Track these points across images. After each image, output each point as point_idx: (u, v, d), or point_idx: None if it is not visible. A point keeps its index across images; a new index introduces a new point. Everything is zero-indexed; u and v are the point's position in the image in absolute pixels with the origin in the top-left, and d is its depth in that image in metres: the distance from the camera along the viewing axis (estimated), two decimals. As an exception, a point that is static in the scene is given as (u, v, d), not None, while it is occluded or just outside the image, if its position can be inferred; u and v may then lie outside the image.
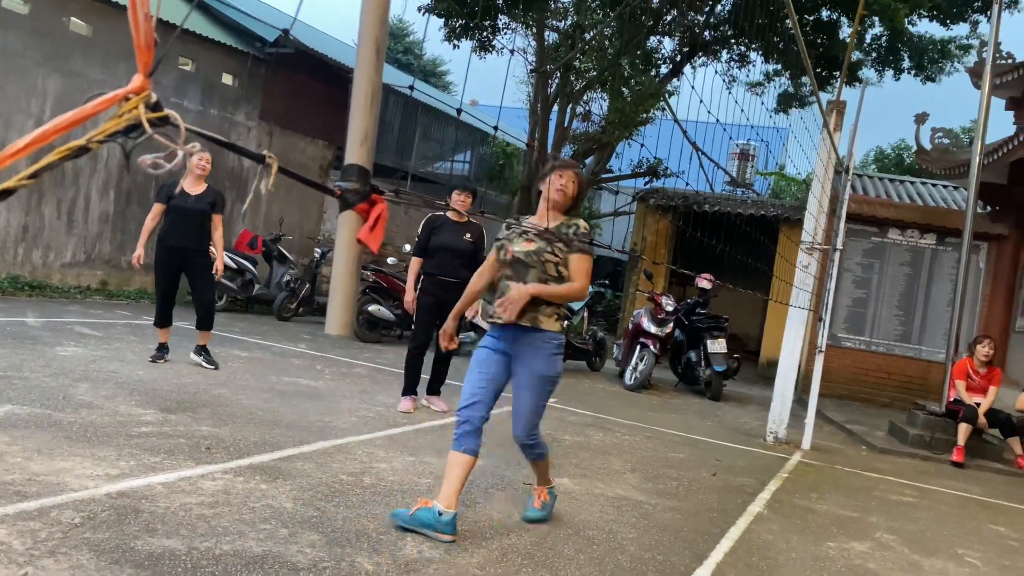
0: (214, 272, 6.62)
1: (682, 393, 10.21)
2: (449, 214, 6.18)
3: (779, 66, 15.86)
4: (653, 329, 9.83)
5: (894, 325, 12.25)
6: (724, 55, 15.98)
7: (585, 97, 15.39)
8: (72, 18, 10.11)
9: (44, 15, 9.78)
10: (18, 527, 2.85)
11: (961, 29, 14.52)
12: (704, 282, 10.34)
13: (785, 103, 16.47)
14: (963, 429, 7.67)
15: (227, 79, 12.33)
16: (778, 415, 7.39)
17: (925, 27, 16.31)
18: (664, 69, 15.71)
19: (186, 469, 3.85)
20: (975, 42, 14.55)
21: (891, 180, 15.05)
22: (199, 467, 3.91)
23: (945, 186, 14.17)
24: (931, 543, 4.70)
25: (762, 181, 22.73)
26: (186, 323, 8.59)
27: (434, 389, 6.38)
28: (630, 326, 10.48)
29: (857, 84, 14.62)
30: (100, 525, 2.99)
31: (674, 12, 14.68)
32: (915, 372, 12.01)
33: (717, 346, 9.88)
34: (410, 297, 6.17)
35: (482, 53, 14.91)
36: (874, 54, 14.98)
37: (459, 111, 2.88)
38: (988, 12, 12.04)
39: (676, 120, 14.19)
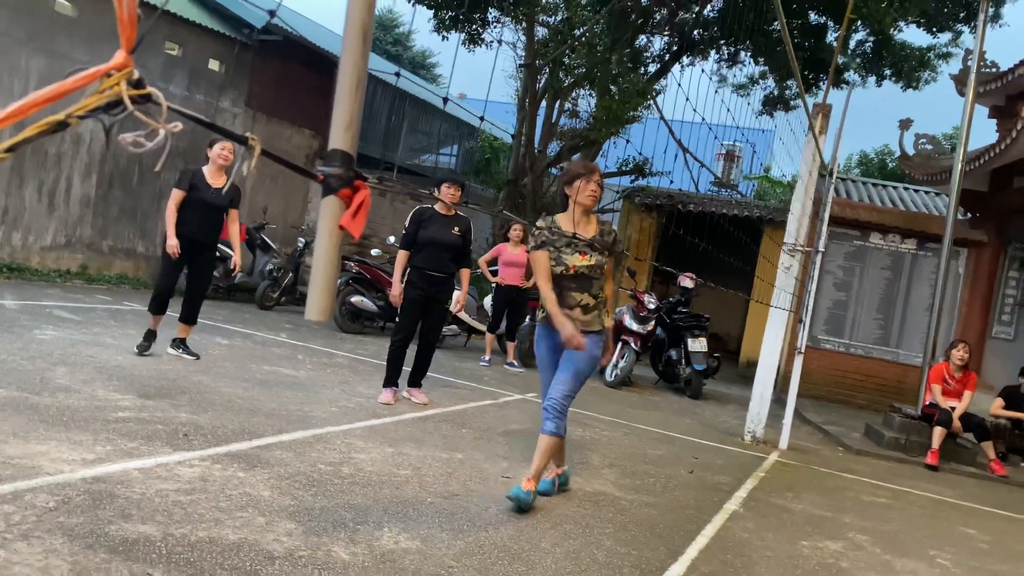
0: (232, 268, 6.56)
1: (662, 391, 10.26)
2: (437, 207, 6.15)
3: (765, 68, 15.93)
4: (635, 327, 9.87)
5: (873, 328, 12.37)
6: (713, 55, 16.04)
7: (573, 93, 15.38)
8: (57, -2, 9.99)
9: (28, -6, 9.65)
10: (-10, 510, 2.83)
11: (943, 37, 14.60)
12: (687, 281, 10.39)
13: (770, 105, 16.56)
14: (938, 433, 7.76)
15: (214, 65, 12.23)
16: (756, 414, 7.44)
17: (908, 34, 16.46)
18: (652, 68, 15.74)
19: (163, 455, 3.82)
20: (956, 51, 14.69)
21: (874, 184, 15.18)
22: (176, 453, 3.89)
23: (927, 192, 14.31)
24: (903, 544, 4.75)
25: (747, 184, 22.84)
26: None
27: (416, 381, 6.37)
28: (612, 323, 10.50)
29: (844, 87, 14.73)
30: (75, 509, 2.97)
31: (663, 11, 14.71)
32: (892, 375, 12.13)
33: (698, 345, 9.93)
34: (396, 291, 6.11)
35: (471, 46, 14.87)
36: (858, 59, 15.09)
37: (445, 100, 2.88)
38: (973, 23, 12.15)
39: (663, 119, 14.22)
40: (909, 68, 14.89)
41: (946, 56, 14.85)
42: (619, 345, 9.82)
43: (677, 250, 14.21)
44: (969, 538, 5.21)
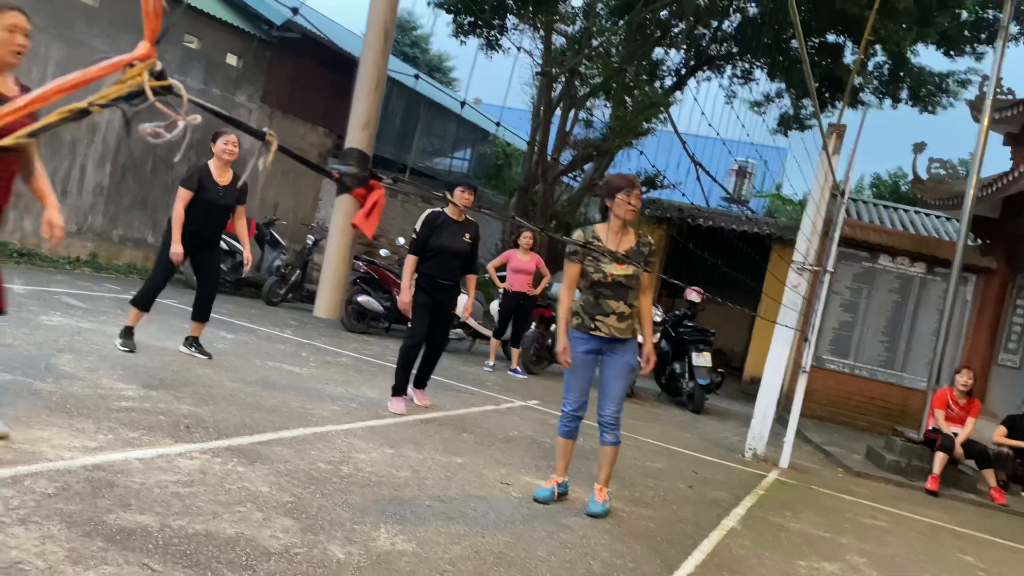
0: (242, 264, 6.41)
1: (664, 404, 10.23)
2: (448, 211, 6.10)
3: (782, 86, 15.93)
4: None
5: (879, 350, 12.32)
6: (729, 70, 16.04)
7: (588, 103, 15.41)
8: (79, -13, 10.06)
9: (51, -18, 9.72)
10: (-10, 493, 2.83)
11: (962, 63, 14.65)
12: (693, 295, 10.37)
13: (785, 124, 16.55)
14: (939, 458, 7.72)
15: (231, 59, 12.29)
16: (758, 432, 7.42)
17: (927, 58, 16.46)
18: (668, 81, 15.75)
19: (164, 446, 3.83)
20: (975, 78, 14.66)
21: (885, 207, 15.13)
22: (177, 445, 3.90)
23: (938, 216, 14.26)
24: (901, 568, 4.72)
25: (758, 201, 22.82)
26: (171, 302, 8.56)
27: (421, 383, 6.34)
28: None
29: (860, 107, 14.71)
30: (74, 497, 2.98)
31: (682, 25, 14.72)
32: (896, 398, 12.07)
33: (702, 359, 9.91)
34: (406, 298, 6.00)
35: (489, 52, 14.91)
36: (875, 81, 15.08)
37: (463, 103, 2.88)
38: (994, 43, 12.12)
39: (676, 132, 14.22)
40: (927, 92, 14.88)
41: (965, 83, 14.83)
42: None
43: (685, 264, 14.21)
44: (967, 565, 5.17)
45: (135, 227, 11.44)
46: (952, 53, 14.29)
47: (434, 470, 4.52)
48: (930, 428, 8.22)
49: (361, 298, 10.05)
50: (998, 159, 10.96)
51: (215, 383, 5.45)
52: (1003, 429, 8.54)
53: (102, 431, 3.84)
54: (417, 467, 4.50)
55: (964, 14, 13.47)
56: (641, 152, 13.91)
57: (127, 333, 5.93)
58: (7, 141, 0.79)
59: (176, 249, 5.87)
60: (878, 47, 13.45)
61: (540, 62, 15.30)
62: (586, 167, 15.85)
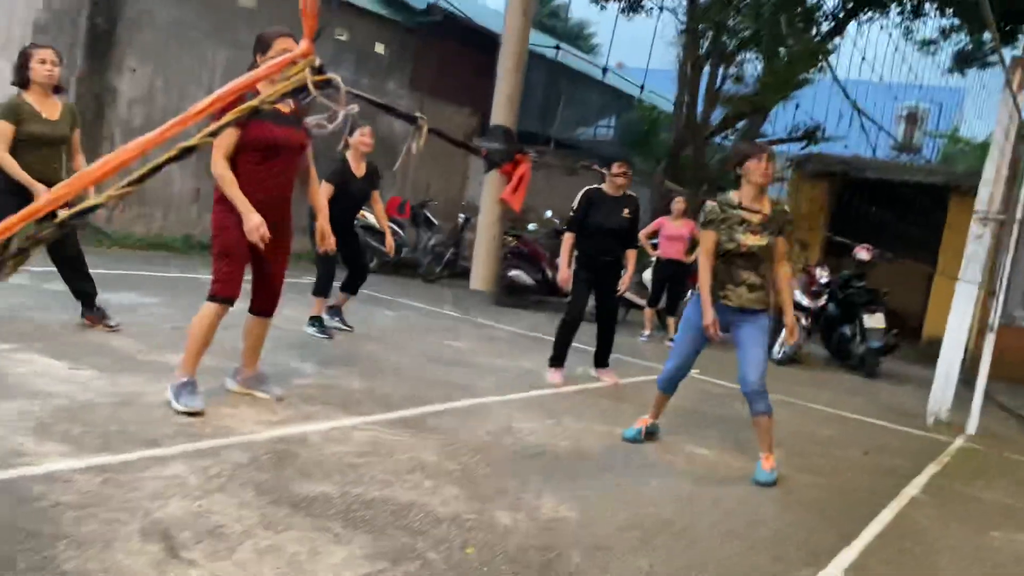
0: (386, 252, 6.81)
1: (833, 369, 9.75)
2: (605, 187, 6.06)
3: (956, 20, 14.57)
4: (805, 302, 9.42)
5: (1080, 304, 11.12)
6: (894, 9, 14.84)
7: (738, 58, 14.76)
8: (240, -8, 10.73)
9: (216, -9, 10.43)
10: (193, 464, 3.13)
11: None
12: (863, 253, 9.76)
13: (962, 61, 15.14)
14: None
15: (379, 48, 12.73)
16: (940, 396, 6.92)
17: None
18: (825, 27, 14.80)
19: (339, 419, 4.08)
20: None
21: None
22: (351, 418, 4.14)
23: None
24: (1114, 543, 4.28)
25: (932, 144, 21.09)
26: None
27: (603, 362, 6.35)
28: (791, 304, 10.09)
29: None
30: (263, 467, 3.24)
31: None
32: (1103, 356, 10.87)
33: (874, 321, 9.34)
34: (564, 275, 6.03)
35: (630, 13, 14.58)
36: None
37: (604, 70, 2.84)
38: None
39: (837, 80, 13.39)
40: None
41: None
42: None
43: (852, 220, 13.40)
44: None
45: (299, 216, 12.15)
46: None
47: (594, 440, 4.54)
48: None
49: (513, 272, 10.21)
50: None
51: (382, 359, 5.73)
52: None
53: (283, 406, 4.14)
54: (577, 437, 4.55)
55: None
56: (798, 106, 13.20)
57: (316, 322, 6.30)
58: (193, 141, 0.86)
59: (332, 240, 6.20)
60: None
61: (684, 19, 14.80)
62: (738, 125, 15.23)
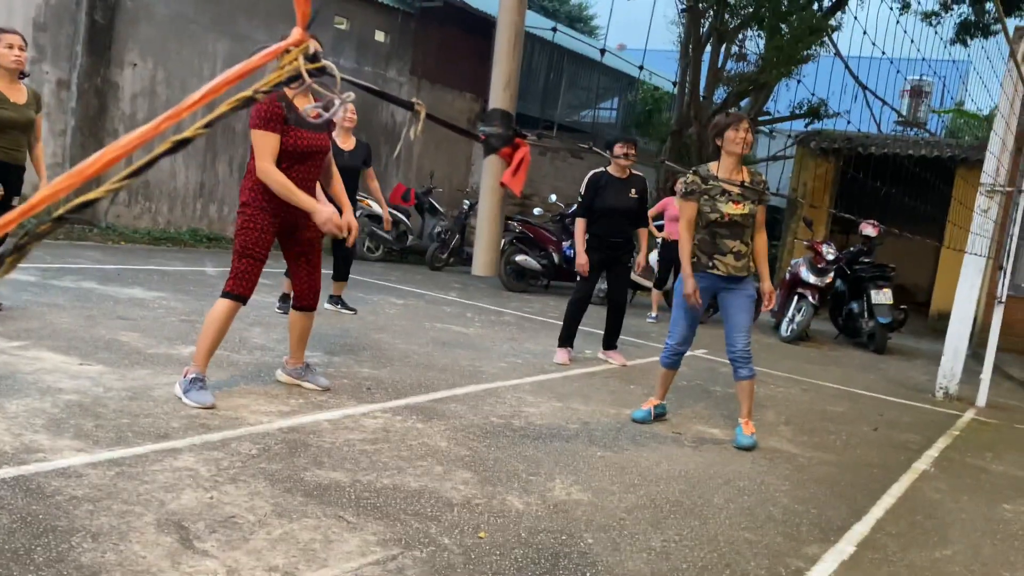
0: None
1: (842, 345, 9.74)
2: (611, 169, 6.06)
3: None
4: (812, 279, 9.40)
5: (1090, 274, 11.06)
6: (895, -18, 14.70)
7: (740, 35, 14.65)
8: (238, -16, 10.69)
9: (214, -17, 10.40)
10: (204, 456, 3.16)
11: None
12: (869, 229, 9.72)
13: (964, 32, 15.00)
14: None
15: (379, 36, 12.68)
16: (949, 369, 6.91)
17: None
18: (827, 2, 14.67)
19: (349, 408, 4.10)
20: None
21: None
22: (361, 406, 4.16)
23: None
24: None
25: (937, 120, 20.92)
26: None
27: (611, 344, 6.37)
28: (787, 276, 10.07)
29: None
30: (274, 457, 3.26)
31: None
32: (1113, 326, 10.82)
33: (882, 296, 9.31)
34: (582, 260, 6.03)
35: (630, -6, 14.43)
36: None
37: (602, 51, 2.83)
38: None
39: (839, 56, 13.25)
40: None
41: None
42: (795, 298, 9.41)
43: (858, 196, 13.33)
44: None
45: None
46: None
47: (603, 422, 4.56)
48: None
49: (519, 257, 10.21)
50: None
51: (390, 346, 5.74)
52: None
53: (293, 396, 4.16)
54: (586, 419, 4.56)
55: None
56: (799, 81, 13.10)
57: (338, 300, 6.75)
58: (187, 133, 0.86)
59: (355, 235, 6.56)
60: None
61: (685, -2, 14.68)
62: (742, 103, 15.14)
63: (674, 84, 14.84)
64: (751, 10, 13.66)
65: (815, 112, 15.33)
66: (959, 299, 6.86)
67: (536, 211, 11.29)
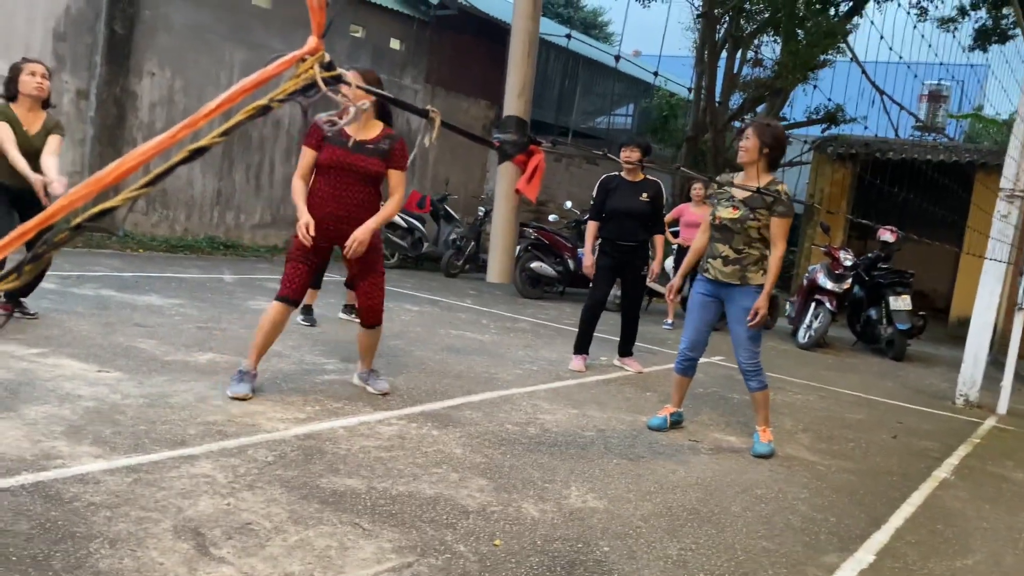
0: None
1: (860, 352, 9.66)
2: (623, 173, 6.08)
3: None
4: (829, 285, 9.33)
5: (1112, 280, 10.91)
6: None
7: (756, 41, 14.62)
8: (255, -7, 10.78)
9: (231, -8, 10.49)
10: (220, 463, 3.17)
11: None
12: (887, 234, 9.65)
13: (983, 37, 14.89)
14: None
15: (395, 44, 12.74)
16: (970, 376, 6.83)
17: None
18: (844, 7, 14.62)
19: (365, 415, 4.11)
20: None
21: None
22: (376, 413, 4.16)
23: None
24: None
25: (956, 125, 20.76)
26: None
27: (626, 351, 6.35)
28: (804, 282, 10.01)
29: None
30: (290, 463, 3.26)
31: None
32: None
33: (901, 303, 9.23)
34: (589, 262, 6.09)
35: (644, 0, 14.48)
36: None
37: (617, 58, 2.83)
38: None
39: (856, 61, 13.20)
40: None
41: None
42: (813, 304, 9.34)
43: (875, 202, 13.24)
44: None
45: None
46: None
47: (619, 429, 4.54)
48: None
49: (534, 264, 10.21)
50: None
51: (405, 353, 5.75)
52: None
53: (309, 403, 4.17)
54: (602, 426, 4.54)
55: None
56: (816, 86, 13.05)
57: (352, 309, 6.70)
58: (204, 142, 0.87)
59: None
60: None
61: (700, 3, 14.68)
62: (758, 109, 15.10)
63: (689, 90, 14.81)
64: (767, 15, 13.62)
65: (832, 117, 15.25)
66: (979, 305, 6.79)
67: (551, 218, 11.28)
